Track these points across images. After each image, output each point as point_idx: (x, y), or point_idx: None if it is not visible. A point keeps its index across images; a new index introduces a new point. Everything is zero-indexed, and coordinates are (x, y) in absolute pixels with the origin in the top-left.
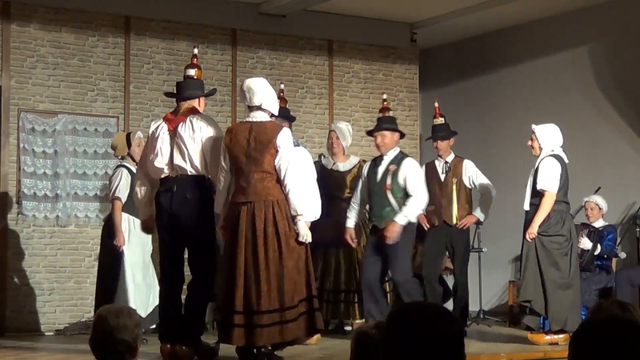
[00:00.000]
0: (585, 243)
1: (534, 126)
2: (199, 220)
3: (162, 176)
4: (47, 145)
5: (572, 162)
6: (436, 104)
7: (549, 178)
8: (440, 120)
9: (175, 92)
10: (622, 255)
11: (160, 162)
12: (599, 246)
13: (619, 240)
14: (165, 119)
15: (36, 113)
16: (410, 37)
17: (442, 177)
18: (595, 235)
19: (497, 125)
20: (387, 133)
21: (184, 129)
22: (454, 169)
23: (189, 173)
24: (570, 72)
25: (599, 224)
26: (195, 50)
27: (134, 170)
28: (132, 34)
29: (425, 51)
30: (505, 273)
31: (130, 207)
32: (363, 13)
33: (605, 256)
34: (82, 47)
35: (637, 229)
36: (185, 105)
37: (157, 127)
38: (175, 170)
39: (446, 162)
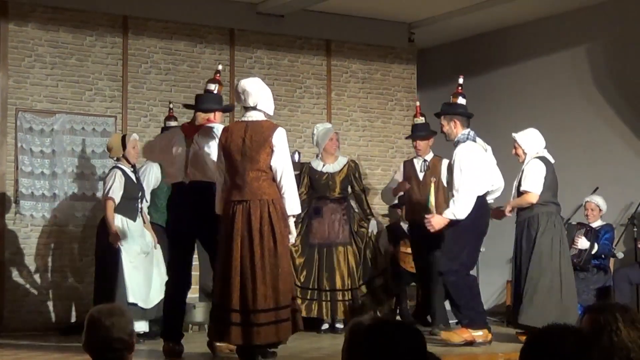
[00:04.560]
0: (582, 243)
1: (514, 134)
2: (210, 227)
3: (176, 182)
4: (44, 144)
5: (569, 162)
6: (417, 103)
7: (533, 180)
8: (420, 120)
9: (194, 103)
10: (620, 255)
11: (175, 168)
12: (595, 245)
13: (616, 240)
14: (183, 127)
15: (34, 112)
16: (409, 37)
17: (421, 175)
18: (592, 234)
19: (496, 126)
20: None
21: (199, 138)
22: (433, 168)
23: (202, 180)
24: (568, 72)
25: (596, 224)
26: (220, 67)
27: (129, 172)
28: (130, 33)
29: (424, 51)
30: (503, 273)
31: (124, 208)
32: (361, 13)
33: (603, 256)
34: (80, 46)
35: (635, 229)
36: (202, 116)
37: (174, 132)
38: (188, 177)
39: (425, 161)
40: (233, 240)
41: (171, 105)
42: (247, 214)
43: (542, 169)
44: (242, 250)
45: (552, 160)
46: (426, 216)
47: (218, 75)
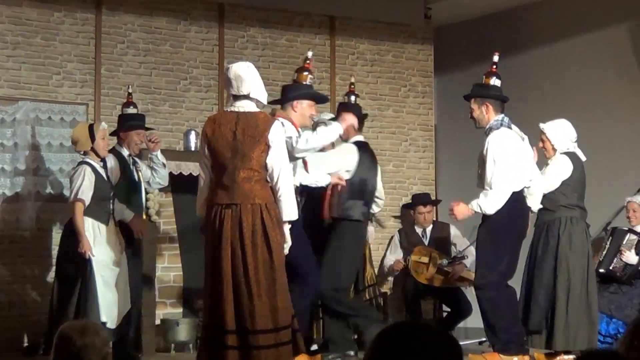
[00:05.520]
0: (631, 257)
1: (542, 125)
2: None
3: None
4: (5, 136)
5: (611, 159)
6: (352, 79)
7: (548, 178)
8: (351, 99)
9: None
10: None
11: None
12: None
13: None
14: None
15: None
16: (425, 13)
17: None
18: None
19: (523, 114)
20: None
21: None
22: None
23: None
24: (608, 53)
25: None
26: (310, 53)
27: (98, 168)
28: (104, 8)
29: (442, 29)
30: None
31: (94, 210)
32: None
33: None
34: (47, 23)
35: None
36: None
37: None
38: None
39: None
40: (222, 250)
41: (130, 90)
42: (238, 220)
43: (566, 168)
44: (233, 261)
45: (583, 158)
46: (452, 203)
47: (308, 63)
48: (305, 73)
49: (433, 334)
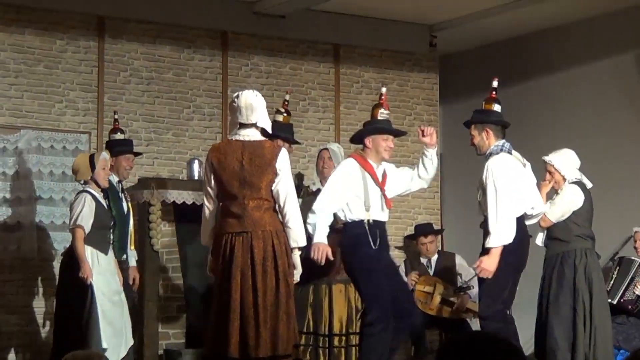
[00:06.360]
0: None
1: (547, 158)
2: None
3: None
4: (7, 165)
5: (616, 186)
6: (287, 97)
7: (557, 206)
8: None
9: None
10: None
11: None
12: None
13: None
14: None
15: None
16: (430, 42)
17: None
18: None
19: (530, 142)
20: None
21: None
22: None
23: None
24: (614, 80)
25: None
26: (384, 89)
27: (99, 198)
28: (107, 36)
29: (447, 57)
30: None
31: (94, 239)
32: (374, 13)
33: None
34: (49, 51)
35: None
36: None
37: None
38: None
39: None
40: (232, 278)
41: (116, 116)
42: (249, 246)
43: (578, 198)
44: (242, 289)
45: (589, 185)
46: (475, 266)
47: (382, 99)
48: (379, 109)
49: (502, 345)
